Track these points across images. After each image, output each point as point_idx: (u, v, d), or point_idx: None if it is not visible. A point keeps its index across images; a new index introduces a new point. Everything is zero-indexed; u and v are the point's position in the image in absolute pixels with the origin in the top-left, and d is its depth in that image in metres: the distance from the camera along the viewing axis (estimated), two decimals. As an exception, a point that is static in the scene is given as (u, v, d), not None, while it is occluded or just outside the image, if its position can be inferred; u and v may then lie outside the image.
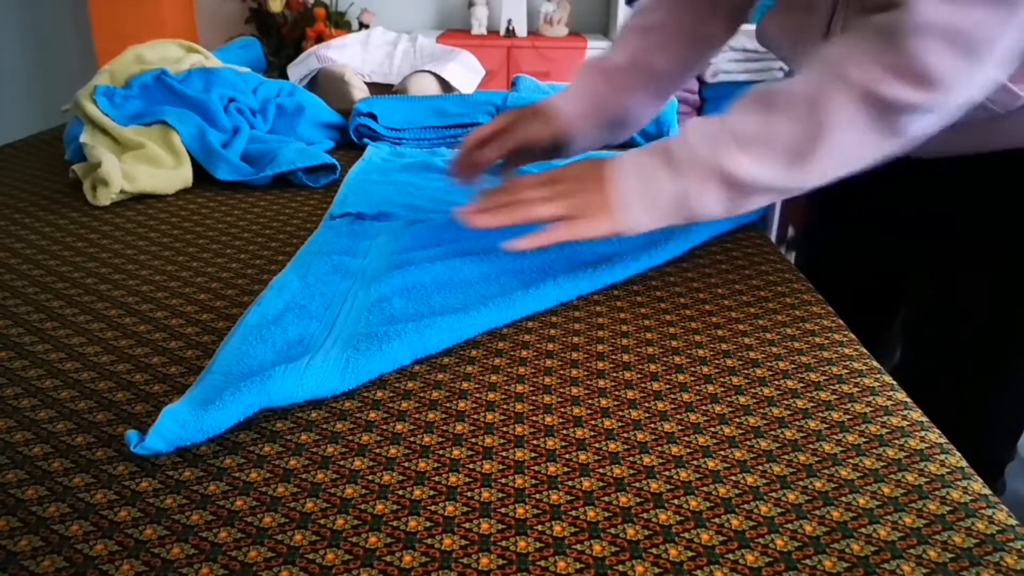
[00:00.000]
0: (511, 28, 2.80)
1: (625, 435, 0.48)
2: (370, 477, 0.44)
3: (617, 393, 0.52)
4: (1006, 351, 0.74)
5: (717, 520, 0.41)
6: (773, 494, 0.43)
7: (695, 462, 0.45)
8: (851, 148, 0.56)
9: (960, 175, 0.72)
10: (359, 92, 1.29)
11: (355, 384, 0.51)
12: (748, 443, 0.47)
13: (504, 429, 0.48)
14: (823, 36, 0.69)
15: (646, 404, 0.51)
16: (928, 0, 0.51)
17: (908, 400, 0.52)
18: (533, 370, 0.55)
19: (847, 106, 0.53)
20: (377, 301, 0.61)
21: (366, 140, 1.13)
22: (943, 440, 0.48)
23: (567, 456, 0.46)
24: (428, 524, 0.40)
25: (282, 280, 0.64)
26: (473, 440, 0.47)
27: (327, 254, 0.70)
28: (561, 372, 0.55)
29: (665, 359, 0.56)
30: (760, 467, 0.45)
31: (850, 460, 0.46)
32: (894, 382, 0.54)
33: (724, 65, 2.62)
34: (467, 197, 0.85)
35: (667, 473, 0.44)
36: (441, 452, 0.46)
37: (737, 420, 0.49)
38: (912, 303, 0.84)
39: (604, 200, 0.60)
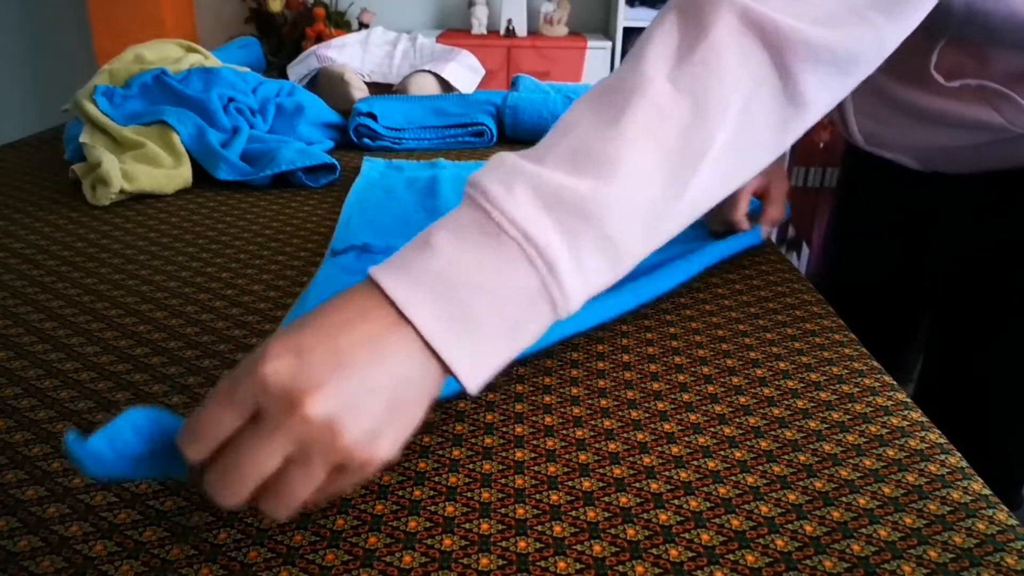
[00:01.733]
0: (511, 28, 2.80)
1: (625, 435, 0.48)
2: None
3: (617, 393, 0.52)
4: None
5: (717, 520, 0.41)
6: (773, 494, 0.43)
7: (695, 462, 0.45)
8: (751, 122, 0.40)
9: (987, 190, 0.72)
10: (359, 92, 1.29)
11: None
12: (748, 443, 0.47)
13: (504, 429, 0.48)
14: None
15: (646, 404, 0.51)
16: None
17: (908, 400, 0.52)
18: (532, 370, 0.55)
19: (734, 48, 0.39)
20: None
21: (366, 140, 1.13)
22: (943, 440, 0.48)
23: (567, 456, 0.46)
24: (428, 524, 0.40)
25: None
26: (473, 440, 0.47)
27: None
28: (561, 372, 0.55)
29: (665, 359, 0.56)
30: (760, 467, 0.45)
31: (850, 460, 0.46)
32: (894, 382, 0.54)
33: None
34: None
35: (667, 473, 0.44)
36: (441, 452, 0.46)
37: (737, 420, 0.49)
38: (936, 321, 0.83)
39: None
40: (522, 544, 0.39)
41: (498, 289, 0.35)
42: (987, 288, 0.73)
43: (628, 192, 0.37)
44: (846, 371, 0.55)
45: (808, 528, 0.40)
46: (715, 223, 0.76)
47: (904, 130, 0.69)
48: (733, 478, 0.44)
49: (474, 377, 0.35)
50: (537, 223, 0.35)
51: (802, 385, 0.54)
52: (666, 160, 0.38)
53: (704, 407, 0.51)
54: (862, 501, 0.42)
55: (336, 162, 0.97)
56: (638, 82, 0.39)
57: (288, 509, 0.33)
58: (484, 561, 0.38)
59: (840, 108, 0.73)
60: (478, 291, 0.34)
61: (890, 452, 0.46)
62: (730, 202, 0.73)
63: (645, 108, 0.38)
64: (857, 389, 0.53)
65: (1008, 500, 0.44)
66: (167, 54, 1.15)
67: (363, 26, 2.79)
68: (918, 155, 0.74)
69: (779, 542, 0.39)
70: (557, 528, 0.40)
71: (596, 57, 2.75)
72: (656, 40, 0.40)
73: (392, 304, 0.34)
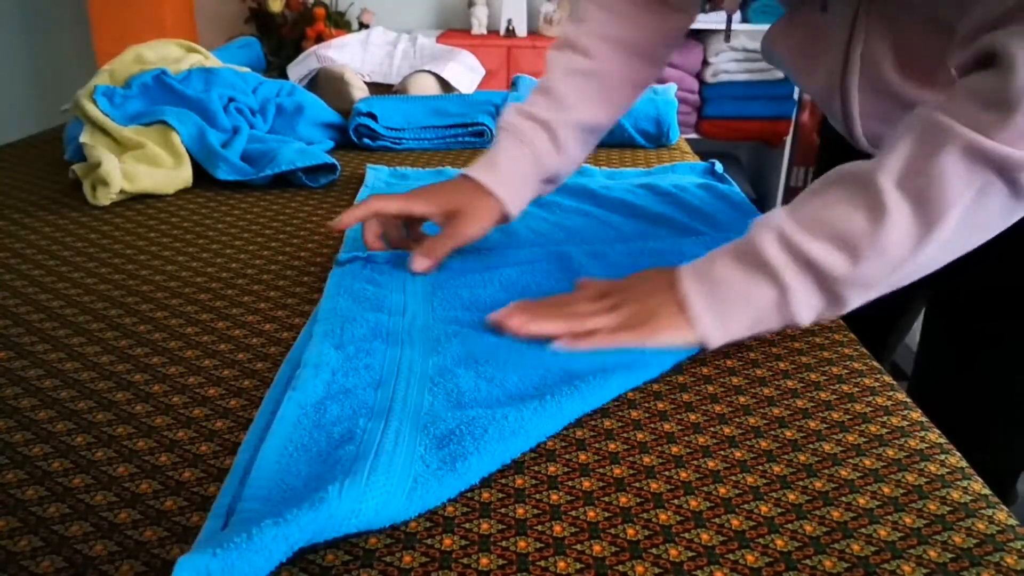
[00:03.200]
0: (511, 28, 2.79)
1: (625, 435, 0.48)
2: (370, 477, 0.44)
3: (617, 393, 0.52)
4: None
5: (717, 520, 0.41)
6: (773, 494, 0.43)
7: (695, 462, 0.45)
8: (975, 222, 0.49)
9: None
10: (359, 92, 1.29)
11: (422, 510, 0.40)
12: (748, 443, 0.47)
13: (504, 429, 0.48)
14: (842, 59, 0.66)
15: (646, 404, 0.51)
16: None
17: (908, 400, 0.52)
18: (533, 370, 0.55)
19: (960, 173, 0.47)
20: (438, 376, 0.51)
21: (366, 140, 1.13)
22: (943, 440, 0.48)
23: (567, 456, 0.46)
24: (428, 524, 0.40)
25: (317, 355, 0.52)
26: (473, 440, 0.47)
27: (358, 312, 0.58)
28: (561, 372, 0.54)
29: (665, 359, 0.56)
30: (760, 467, 0.45)
31: (850, 460, 0.46)
32: (894, 382, 0.54)
33: (724, 65, 2.62)
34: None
35: (667, 473, 0.44)
36: (441, 452, 0.46)
37: (737, 420, 0.49)
38: (930, 318, 0.82)
39: (671, 311, 0.54)
40: (522, 544, 0.39)
41: (751, 298, 0.52)
42: (985, 286, 0.73)
43: (860, 273, 0.50)
44: (846, 371, 0.55)
45: (808, 528, 0.40)
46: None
47: None
48: (733, 478, 0.44)
49: (715, 341, 0.53)
50: (788, 270, 0.51)
51: (802, 385, 0.54)
52: (889, 251, 0.49)
53: (704, 407, 0.51)
54: (862, 501, 0.42)
55: (336, 162, 0.97)
56: (875, 186, 0.49)
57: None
58: (484, 561, 0.38)
59: (845, 111, 0.72)
60: (738, 296, 0.53)
61: (890, 452, 0.46)
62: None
63: (881, 207, 0.49)
64: (857, 389, 0.53)
65: (1003, 496, 0.44)
66: (167, 54, 1.15)
67: (363, 26, 2.79)
68: None
69: (779, 542, 0.39)
70: (557, 528, 0.40)
71: (596, 57, 2.74)
72: (895, 151, 0.50)
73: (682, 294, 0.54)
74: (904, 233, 0.48)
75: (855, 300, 0.52)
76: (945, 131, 0.47)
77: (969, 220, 0.48)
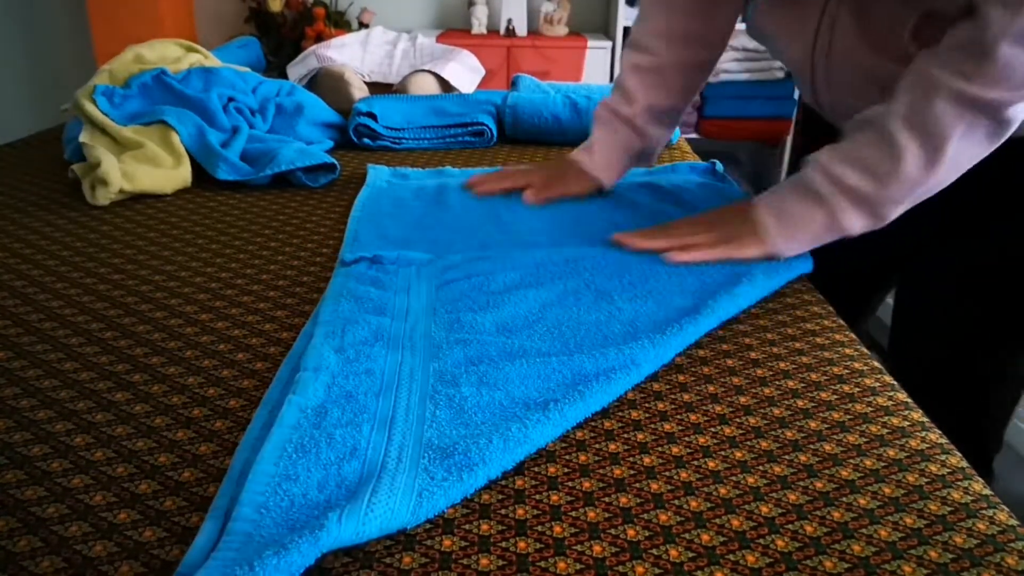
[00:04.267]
0: (511, 28, 2.79)
1: (625, 435, 0.48)
2: (370, 478, 0.43)
3: (617, 393, 0.52)
4: (1006, 343, 0.75)
5: (717, 520, 0.41)
6: (774, 494, 0.43)
7: (695, 462, 0.45)
8: (968, 149, 0.61)
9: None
10: (359, 92, 1.29)
11: (426, 518, 0.40)
12: (748, 443, 0.47)
13: (504, 429, 0.48)
14: (814, 29, 0.71)
15: (646, 404, 0.51)
16: (998, 10, 0.55)
17: (909, 400, 0.52)
18: (533, 370, 0.55)
19: (952, 114, 0.59)
20: (439, 383, 0.51)
21: (366, 140, 1.13)
22: (944, 440, 0.48)
23: (567, 457, 0.46)
24: (428, 525, 0.40)
25: (317, 358, 0.52)
26: (473, 440, 0.47)
27: (360, 315, 0.58)
28: (561, 372, 0.54)
29: (665, 359, 0.56)
30: (761, 467, 0.45)
31: (851, 460, 0.46)
32: (895, 382, 0.54)
33: (725, 64, 2.62)
34: (492, 226, 0.78)
35: (667, 474, 0.44)
36: (441, 452, 0.46)
37: (737, 420, 0.49)
38: (904, 293, 0.85)
39: (750, 231, 0.69)
40: (522, 544, 0.39)
41: (808, 220, 0.67)
42: (954, 258, 0.76)
43: (889, 194, 0.63)
44: (847, 371, 0.55)
45: (808, 528, 0.40)
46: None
47: (874, 101, 0.70)
48: (733, 478, 0.44)
49: (786, 252, 0.68)
50: (833, 197, 0.65)
51: (803, 385, 0.53)
52: (907, 175, 0.62)
53: (704, 407, 0.51)
54: (863, 501, 0.42)
55: (336, 162, 0.97)
56: (888, 127, 0.62)
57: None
58: (484, 561, 0.38)
59: (814, 80, 0.75)
60: (799, 219, 0.67)
61: (891, 452, 0.46)
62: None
63: (896, 144, 0.61)
64: (858, 389, 0.53)
65: (982, 474, 0.46)
66: (167, 54, 1.15)
67: (363, 26, 2.79)
68: None
69: (779, 542, 0.39)
70: (557, 528, 0.40)
71: (596, 57, 2.74)
72: (900, 99, 0.62)
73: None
74: (916, 161, 0.61)
75: (892, 214, 0.64)
76: (935, 81, 0.59)
77: (963, 147, 0.60)
